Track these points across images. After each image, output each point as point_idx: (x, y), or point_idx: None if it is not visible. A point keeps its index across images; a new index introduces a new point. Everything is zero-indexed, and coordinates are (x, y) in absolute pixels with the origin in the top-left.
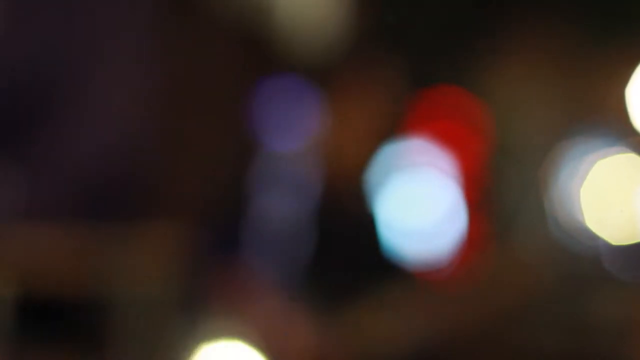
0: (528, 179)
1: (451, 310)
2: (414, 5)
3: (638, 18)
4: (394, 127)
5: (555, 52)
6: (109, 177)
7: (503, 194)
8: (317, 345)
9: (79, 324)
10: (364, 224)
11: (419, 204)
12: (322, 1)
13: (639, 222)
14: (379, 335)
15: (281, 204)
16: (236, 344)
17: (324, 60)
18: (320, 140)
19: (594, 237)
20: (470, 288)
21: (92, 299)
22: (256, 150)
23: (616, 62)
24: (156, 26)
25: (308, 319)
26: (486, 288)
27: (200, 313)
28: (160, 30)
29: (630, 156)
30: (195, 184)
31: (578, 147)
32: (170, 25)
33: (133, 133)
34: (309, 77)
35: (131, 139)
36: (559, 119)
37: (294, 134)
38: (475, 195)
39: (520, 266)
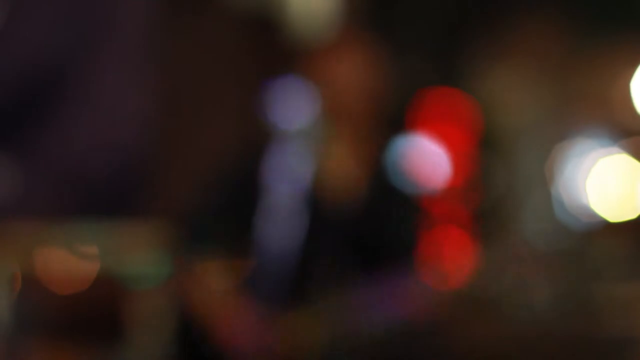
0: (533, 171)
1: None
2: (413, 7)
3: (638, 16)
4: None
5: (557, 49)
6: (113, 173)
7: (507, 184)
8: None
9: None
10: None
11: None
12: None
13: (633, 201)
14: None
15: (284, 187)
16: None
17: (320, 52)
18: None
19: (594, 215)
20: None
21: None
22: (259, 137)
23: (618, 60)
24: (153, 27)
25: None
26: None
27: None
28: (160, 29)
29: (628, 153)
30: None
31: (581, 142)
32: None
33: (135, 129)
34: (307, 68)
35: (134, 135)
36: (561, 115)
37: (292, 117)
38: (468, 186)
39: (521, 248)
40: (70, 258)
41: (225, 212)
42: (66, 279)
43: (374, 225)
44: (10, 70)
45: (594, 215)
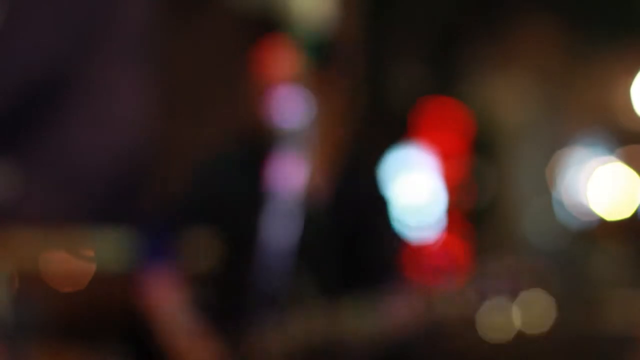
0: (533, 175)
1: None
2: (412, 13)
3: (637, 24)
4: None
5: (557, 55)
6: (113, 175)
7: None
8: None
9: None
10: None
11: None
12: (319, 8)
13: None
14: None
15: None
16: None
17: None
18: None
19: (592, 214)
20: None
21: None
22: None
23: (617, 67)
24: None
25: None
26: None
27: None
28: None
29: (624, 161)
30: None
31: (580, 148)
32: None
33: (136, 132)
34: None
35: (134, 138)
36: (561, 121)
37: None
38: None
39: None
40: (70, 259)
41: (219, 215)
42: (65, 279)
43: (360, 230)
44: (9, 73)
45: (591, 214)
